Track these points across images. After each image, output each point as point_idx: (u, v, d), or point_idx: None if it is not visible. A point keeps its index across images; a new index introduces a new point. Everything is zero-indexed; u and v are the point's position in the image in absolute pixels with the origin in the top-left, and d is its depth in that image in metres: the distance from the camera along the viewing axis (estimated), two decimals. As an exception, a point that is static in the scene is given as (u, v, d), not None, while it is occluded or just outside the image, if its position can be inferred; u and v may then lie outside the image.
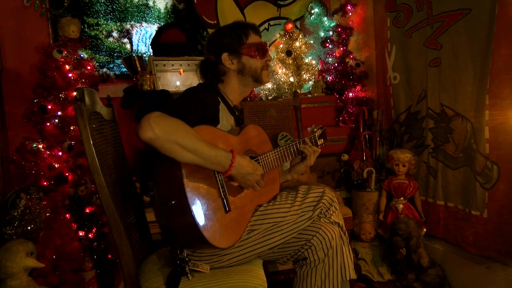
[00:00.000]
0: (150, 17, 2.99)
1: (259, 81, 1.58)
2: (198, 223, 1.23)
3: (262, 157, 1.52)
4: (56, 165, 2.31)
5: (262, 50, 1.56)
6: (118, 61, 2.90)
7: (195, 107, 1.37)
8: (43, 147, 2.31)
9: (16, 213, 1.83)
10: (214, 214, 1.30)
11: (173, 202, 1.24)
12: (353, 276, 1.50)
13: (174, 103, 1.37)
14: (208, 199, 1.29)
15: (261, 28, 3.35)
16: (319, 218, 1.53)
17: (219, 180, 1.34)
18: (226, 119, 1.53)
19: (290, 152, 1.62)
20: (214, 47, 1.56)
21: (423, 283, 2.27)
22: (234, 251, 1.43)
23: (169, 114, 1.24)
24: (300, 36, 3.15)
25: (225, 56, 1.53)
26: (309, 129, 1.73)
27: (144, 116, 1.19)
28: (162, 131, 1.17)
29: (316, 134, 1.71)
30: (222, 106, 1.52)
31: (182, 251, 1.34)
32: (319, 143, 1.71)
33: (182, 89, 2.64)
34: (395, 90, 2.76)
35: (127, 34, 2.94)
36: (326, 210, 1.54)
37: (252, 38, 1.55)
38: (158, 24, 2.99)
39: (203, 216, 1.25)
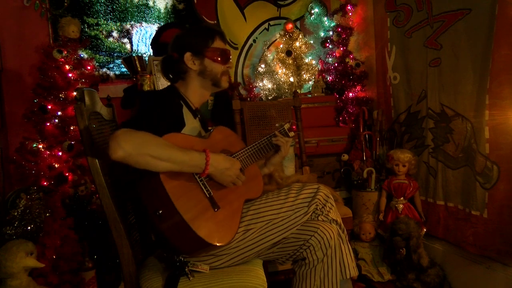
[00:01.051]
0: (150, 17, 2.99)
1: (217, 85, 1.60)
2: (191, 225, 1.23)
3: (238, 154, 1.52)
4: (56, 165, 2.31)
5: (225, 56, 1.58)
6: (118, 61, 2.90)
7: (160, 115, 1.38)
8: (43, 147, 2.31)
9: (16, 213, 1.83)
10: (204, 214, 1.30)
11: (160, 212, 1.23)
12: (353, 274, 1.50)
13: (138, 115, 1.37)
14: (194, 201, 1.30)
15: (261, 28, 3.36)
16: (317, 215, 1.53)
17: (200, 181, 1.35)
18: (191, 122, 1.54)
19: (264, 147, 1.62)
20: (178, 46, 1.57)
21: (423, 283, 2.27)
22: (231, 251, 1.43)
23: (135, 128, 1.25)
24: (300, 36, 3.15)
25: (188, 55, 1.53)
26: (277, 124, 1.74)
27: (111, 136, 1.19)
28: (132, 147, 1.18)
29: (286, 127, 1.70)
30: (185, 110, 1.53)
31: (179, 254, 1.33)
32: (290, 135, 1.70)
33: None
34: (395, 90, 2.76)
35: (127, 34, 2.94)
36: (322, 207, 1.53)
37: (217, 44, 1.57)
38: (158, 24, 2.99)
39: (194, 217, 1.25)
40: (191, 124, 1.54)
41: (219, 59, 1.56)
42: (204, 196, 1.34)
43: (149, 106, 1.42)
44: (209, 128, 1.66)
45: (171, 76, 1.60)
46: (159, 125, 1.34)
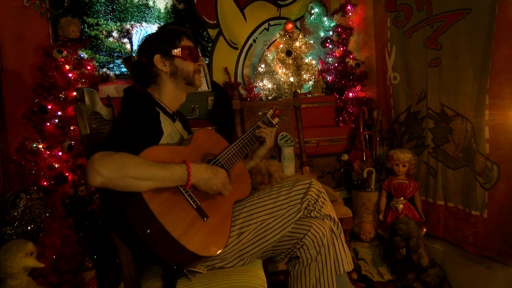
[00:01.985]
0: (150, 17, 2.99)
1: (191, 84, 1.57)
2: (181, 241, 1.20)
3: (221, 156, 1.50)
4: (56, 165, 2.31)
5: (195, 54, 1.56)
6: (118, 61, 2.90)
7: (136, 129, 1.34)
8: (43, 147, 2.31)
9: (16, 213, 1.83)
10: (193, 226, 1.27)
11: (148, 231, 1.20)
12: (347, 268, 1.49)
13: (115, 133, 1.34)
14: (182, 215, 1.27)
15: (261, 28, 3.35)
16: (309, 211, 1.52)
17: (186, 192, 1.32)
18: (170, 127, 1.52)
19: (248, 142, 1.61)
20: (146, 50, 1.53)
21: (423, 283, 2.27)
22: (228, 256, 1.42)
23: (112, 149, 1.22)
24: (300, 36, 3.15)
25: (157, 57, 1.50)
26: (260, 113, 1.72)
27: (87, 162, 1.17)
28: (110, 171, 1.15)
29: (268, 115, 1.69)
30: (162, 116, 1.50)
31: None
32: (274, 123, 1.69)
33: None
34: (395, 90, 2.76)
35: (127, 34, 2.94)
36: (315, 202, 1.52)
37: (185, 42, 1.55)
38: (158, 24, 2.99)
39: (183, 233, 1.23)
40: (169, 129, 1.51)
41: (189, 57, 1.53)
42: (191, 208, 1.31)
43: (125, 121, 1.38)
44: (192, 130, 1.62)
45: (142, 81, 1.56)
46: (137, 139, 1.30)
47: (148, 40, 1.56)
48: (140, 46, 1.57)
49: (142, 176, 1.19)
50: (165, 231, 1.19)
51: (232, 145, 1.56)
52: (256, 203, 1.48)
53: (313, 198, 1.51)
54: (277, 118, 1.70)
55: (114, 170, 1.16)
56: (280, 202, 1.48)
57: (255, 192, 1.56)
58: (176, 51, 1.52)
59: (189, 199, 1.32)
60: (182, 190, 1.31)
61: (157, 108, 1.50)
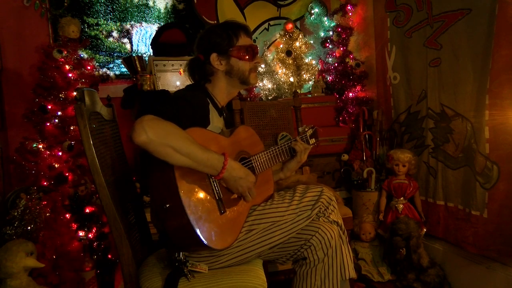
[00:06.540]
0: (150, 17, 2.99)
1: (246, 83, 1.57)
2: (193, 225, 1.23)
3: (255, 158, 1.52)
4: (56, 165, 2.31)
5: (252, 52, 1.54)
6: (118, 61, 2.90)
7: (185, 110, 1.37)
8: (43, 147, 2.31)
9: (16, 213, 1.83)
10: (209, 216, 1.30)
11: (167, 206, 1.24)
12: (353, 275, 1.51)
13: (165, 106, 1.36)
14: (202, 201, 1.30)
15: (261, 28, 3.35)
16: (318, 217, 1.53)
17: (213, 181, 1.35)
18: (216, 120, 1.53)
19: (283, 152, 1.62)
20: (203, 47, 1.54)
21: (423, 283, 2.27)
22: (232, 251, 1.43)
23: (162, 116, 1.24)
24: (300, 36, 3.15)
25: (214, 56, 1.51)
26: (300, 129, 1.73)
27: (137, 119, 1.19)
28: (155, 135, 1.18)
29: (308, 134, 1.70)
30: (211, 107, 1.52)
31: (180, 253, 1.34)
32: (310, 143, 1.71)
33: (182, 89, 2.63)
34: (395, 90, 2.76)
35: (127, 34, 2.94)
36: (325, 209, 1.54)
37: (243, 40, 1.54)
38: (158, 24, 2.99)
39: (198, 218, 1.26)
40: (216, 123, 1.53)
41: (246, 56, 1.53)
42: (213, 198, 1.34)
43: (177, 98, 1.42)
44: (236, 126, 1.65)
45: (197, 78, 1.57)
46: (183, 119, 1.33)
47: (206, 35, 1.55)
48: (198, 42, 1.56)
49: (182, 150, 1.22)
50: (183, 212, 1.23)
51: (268, 151, 1.57)
52: (270, 205, 1.51)
53: (323, 205, 1.54)
54: (314, 139, 1.72)
55: (159, 135, 1.19)
56: (293, 207, 1.50)
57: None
58: (233, 51, 1.51)
59: (214, 188, 1.34)
60: (211, 179, 1.34)
61: (207, 99, 1.52)
